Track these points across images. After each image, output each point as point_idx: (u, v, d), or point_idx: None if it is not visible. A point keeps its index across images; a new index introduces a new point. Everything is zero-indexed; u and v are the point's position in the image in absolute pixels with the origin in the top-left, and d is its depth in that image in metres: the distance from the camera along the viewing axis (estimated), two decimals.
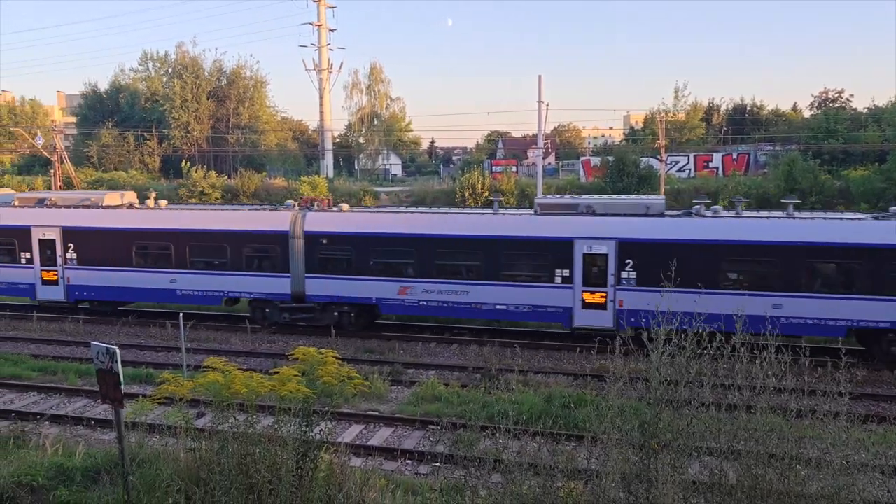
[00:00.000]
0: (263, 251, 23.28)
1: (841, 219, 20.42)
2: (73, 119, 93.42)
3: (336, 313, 22.87)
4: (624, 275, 20.27)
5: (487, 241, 21.33)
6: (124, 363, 10.36)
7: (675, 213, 22.00)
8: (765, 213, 21.91)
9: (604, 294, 20.49)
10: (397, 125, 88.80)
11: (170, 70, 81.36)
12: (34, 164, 72.48)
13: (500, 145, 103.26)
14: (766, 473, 6.58)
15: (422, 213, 25.37)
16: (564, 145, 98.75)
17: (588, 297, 20.64)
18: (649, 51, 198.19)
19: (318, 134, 75.35)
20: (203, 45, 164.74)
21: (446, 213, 24.85)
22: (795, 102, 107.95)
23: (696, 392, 6.81)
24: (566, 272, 20.71)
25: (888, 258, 18.48)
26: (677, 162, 61.32)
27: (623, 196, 27.63)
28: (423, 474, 12.48)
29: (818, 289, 19.08)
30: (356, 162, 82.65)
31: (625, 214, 20.94)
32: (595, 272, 20.53)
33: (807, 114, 77.20)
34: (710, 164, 61.22)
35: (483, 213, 23.77)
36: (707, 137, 74.01)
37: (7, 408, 16.13)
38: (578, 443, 12.50)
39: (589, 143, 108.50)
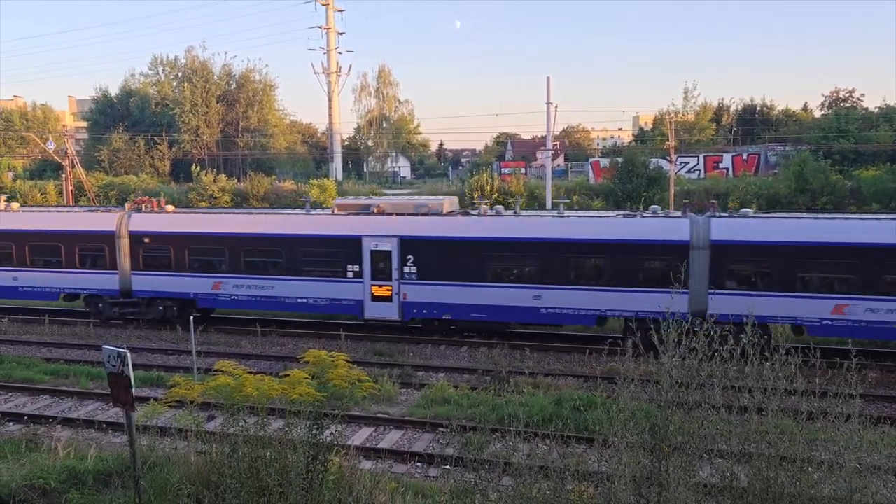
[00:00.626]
0: (94, 250, 24.72)
1: (596, 217, 22.48)
2: (84, 124, 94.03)
3: (160, 307, 24.41)
4: (406, 269, 21.83)
5: (288, 239, 22.88)
6: (135, 366, 10.39)
7: (456, 212, 23.39)
8: (536, 213, 24.17)
9: (390, 288, 22.05)
10: (406, 128, 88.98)
11: (179, 74, 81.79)
12: (46, 169, 72.95)
13: (509, 147, 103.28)
14: (777, 476, 6.54)
15: (233, 213, 27.37)
16: (573, 147, 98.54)
17: (377, 291, 22.18)
18: (658, 51, 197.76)
19: (327, 137, 75.55)
20: (212, 49, 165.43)
21: (254, 213, 26.94)
22: (806, 102, 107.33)
23: (707, 394, 6.77)
24: (357, 268, 22.22)
25: (629, 252, 20.07)
26: (687, 163, 61.08)
27: (413, 196, 30.81)
28: (433, 477, 12.45)
29: (571, 281, 20.47)
30: (365, 165, 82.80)
31: (407, 214, 22.42)
32: (382, 267, 22.08)
33: (817, 114, 76.86)
34: (721, 165, 60.92)
35: (292, 213, 25.45)
36: (717, 138, 73.70)
37: (20, 411, 16.21)
38: (589, 445, 12.47)
39: (598, 144, 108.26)
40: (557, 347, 21.38)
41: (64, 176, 47.21)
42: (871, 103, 72.62)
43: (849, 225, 19.38)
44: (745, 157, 61.37)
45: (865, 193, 42.02)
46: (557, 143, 75.33)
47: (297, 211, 25.84)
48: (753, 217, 20.51)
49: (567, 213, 22.36)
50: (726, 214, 21.05)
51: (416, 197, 29.11)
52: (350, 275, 22.24)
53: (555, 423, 13.45)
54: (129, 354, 8.36)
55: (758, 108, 79.59)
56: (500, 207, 23.27)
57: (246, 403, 8.31)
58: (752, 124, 74.95)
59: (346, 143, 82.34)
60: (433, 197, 27.46)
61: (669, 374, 6.77)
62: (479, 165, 66.56)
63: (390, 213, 22.44)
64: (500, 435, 13.37)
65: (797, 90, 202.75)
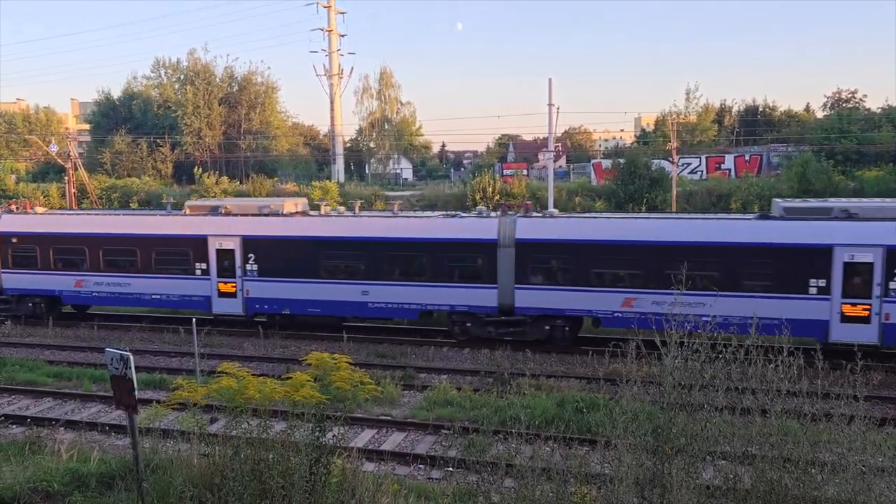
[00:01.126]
0: None
1: (418, 217, 24.22)
2: (87, 126, 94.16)
3: (30, 304, 25.82)
4: (249, 267, 23.11)
5: (142, 239, 24.19)
6: (138, 369, 10.40)
7: (299, 212, 24.68)
8: (370, 213, 25.86)
9: (234, 284, 23.34)
10: (408, 129, 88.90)
11: (182, 77, 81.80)
12: (48, 172, 73.07)
13: (511, 149, 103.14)
14: (781, 478, 6.51)
15: (94, 214, 28.74)
16: (575, 148, 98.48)
17: (222, 287, 23.50)
18: (659, 52, 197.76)
19: (329, 139, 75.60)
20: (214, 51, 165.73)
21: (113, 214, 28.26)
22: (808, 103, 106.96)
23: (710, 396, 6.75)
24: (205, 266, 23.52)
25: (446, 250, 21.38)
26: (689, 164, 60.99)
27: (260, 199, 32.51)
28: (436, 479, 12.45)
29: (396, 277, 21.96)
30: (367, 166, 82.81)
31: (250, 215, 23.78)
32: (226, 265, 23.36)
33: (820, 114, 76.67)
34: (723, 166, 60.85)
35: (147, 215, 26.80)
36: (719, 139, 73.64)
37: (23, 413, 16.25)
38: (591, 447, 12.46)
39: (600, 145, 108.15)
40: (559, 349, 21.36)
41: (67, 178, 47.29)
42: (874, 104, 72.39)
43: (635, 224, 20.67)
44: (747, 158, 61.31)
45: (868, 194, 41.93)
46: (559, 144, 75.33)
47: (157, 212, 27.02)
48: (557, 217, 22.12)
49: (401, 213, 23.83)
50: (538, 215, 22.25)
51: (260, 200, 30.80)
52: (198, 272, 23.54)
53: (557, 425, 13.41)
54: (131, 357, 8.36)
55: (760, 109, 79.51)
56: (342, 208, 24.72)
57: (249, 406, 8.30)
58: (755, 125, 74.84)
59: (349, 145, 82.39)
60: (277, 199, 29.21)
61: (672, 376, 6.76)
62: (481, 167, 66.50)
63: (235, 214, 23.65)
64: (502, 437, 13.33)
65: (799, 91, 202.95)
